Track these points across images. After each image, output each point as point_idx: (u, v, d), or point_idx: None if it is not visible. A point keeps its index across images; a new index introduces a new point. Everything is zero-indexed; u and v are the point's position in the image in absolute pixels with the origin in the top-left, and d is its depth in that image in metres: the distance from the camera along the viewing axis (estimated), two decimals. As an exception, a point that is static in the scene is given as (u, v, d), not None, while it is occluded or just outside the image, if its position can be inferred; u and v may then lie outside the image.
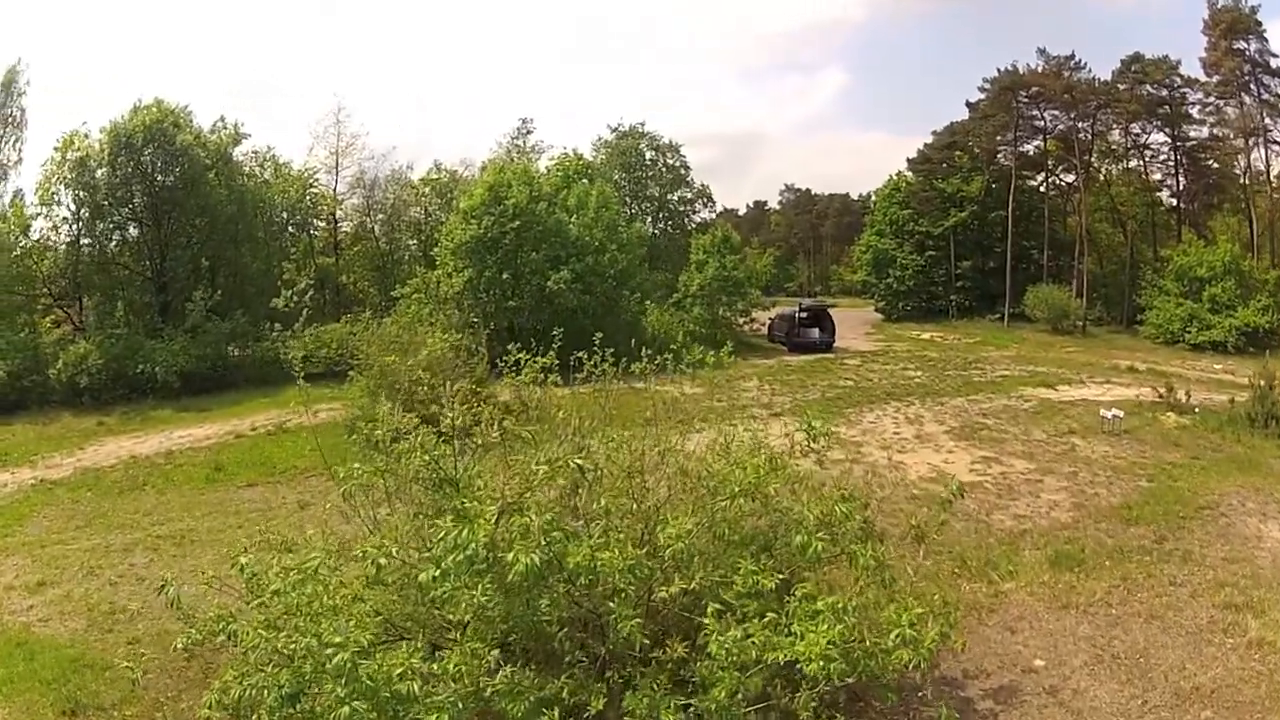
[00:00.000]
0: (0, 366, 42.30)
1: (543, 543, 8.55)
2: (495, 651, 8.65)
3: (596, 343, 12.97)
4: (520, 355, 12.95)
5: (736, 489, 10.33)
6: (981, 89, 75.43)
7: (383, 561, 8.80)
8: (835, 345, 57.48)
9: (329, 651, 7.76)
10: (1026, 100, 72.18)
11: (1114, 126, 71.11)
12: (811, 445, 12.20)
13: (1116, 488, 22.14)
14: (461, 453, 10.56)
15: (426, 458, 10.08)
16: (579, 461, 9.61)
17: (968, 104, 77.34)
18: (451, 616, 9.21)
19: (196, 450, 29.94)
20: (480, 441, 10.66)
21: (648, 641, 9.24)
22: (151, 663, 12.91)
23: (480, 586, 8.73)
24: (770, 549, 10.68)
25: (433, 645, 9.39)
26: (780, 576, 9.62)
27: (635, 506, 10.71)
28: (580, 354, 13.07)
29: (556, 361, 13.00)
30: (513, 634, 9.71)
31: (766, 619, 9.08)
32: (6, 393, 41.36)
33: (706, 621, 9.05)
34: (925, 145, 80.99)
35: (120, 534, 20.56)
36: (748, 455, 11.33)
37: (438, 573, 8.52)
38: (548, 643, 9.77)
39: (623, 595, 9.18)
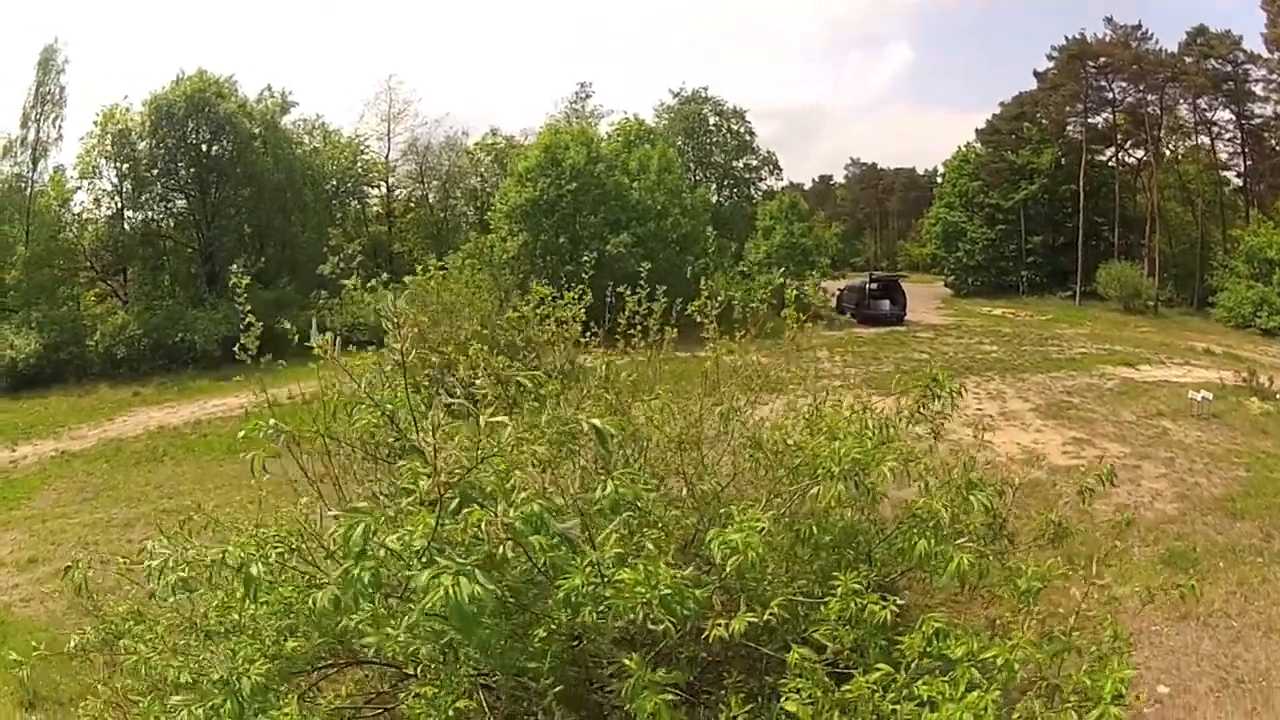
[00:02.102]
0: (36, 339, 42.14)
1: (507, 555, 5.05)
2: (463, 700, 5.71)
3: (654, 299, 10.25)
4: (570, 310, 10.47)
5: (834, 468, 6.87)
6: (1050, 57, 72.90)
7: (255, 571, 5.38)
8: (905, 319, 55.44)
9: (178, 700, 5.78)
10: (1095, 70, 69.40)
11: (1181, 101, 67.96)
12: (928, 410, 9.26)
13: (1216, 477, 20.89)
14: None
15: (374, 413, 6.24)
16: (597, 423, 5.64)
17: (1036, 73, 74.69)
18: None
19: (225, 420, 28.88)
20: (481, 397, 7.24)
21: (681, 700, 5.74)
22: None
23: (407, 618, 5.73)
24: (870, 556, 7.58)
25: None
26: (897, 603, 6.05)
27: (686, 491, 7.91)
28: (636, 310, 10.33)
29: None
30: (492, 674, 6.33)
31: (875, 675, 5.55)
32: (43, 366, 41.53)
33: (786, 676, 5.64)
34: (994, 116, 78.50)
35: (125, 508, 19.66)
36: (845, 423, 8.54)
37: (324, 598, 5.21)
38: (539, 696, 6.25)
39: (647, 642, 5.96)
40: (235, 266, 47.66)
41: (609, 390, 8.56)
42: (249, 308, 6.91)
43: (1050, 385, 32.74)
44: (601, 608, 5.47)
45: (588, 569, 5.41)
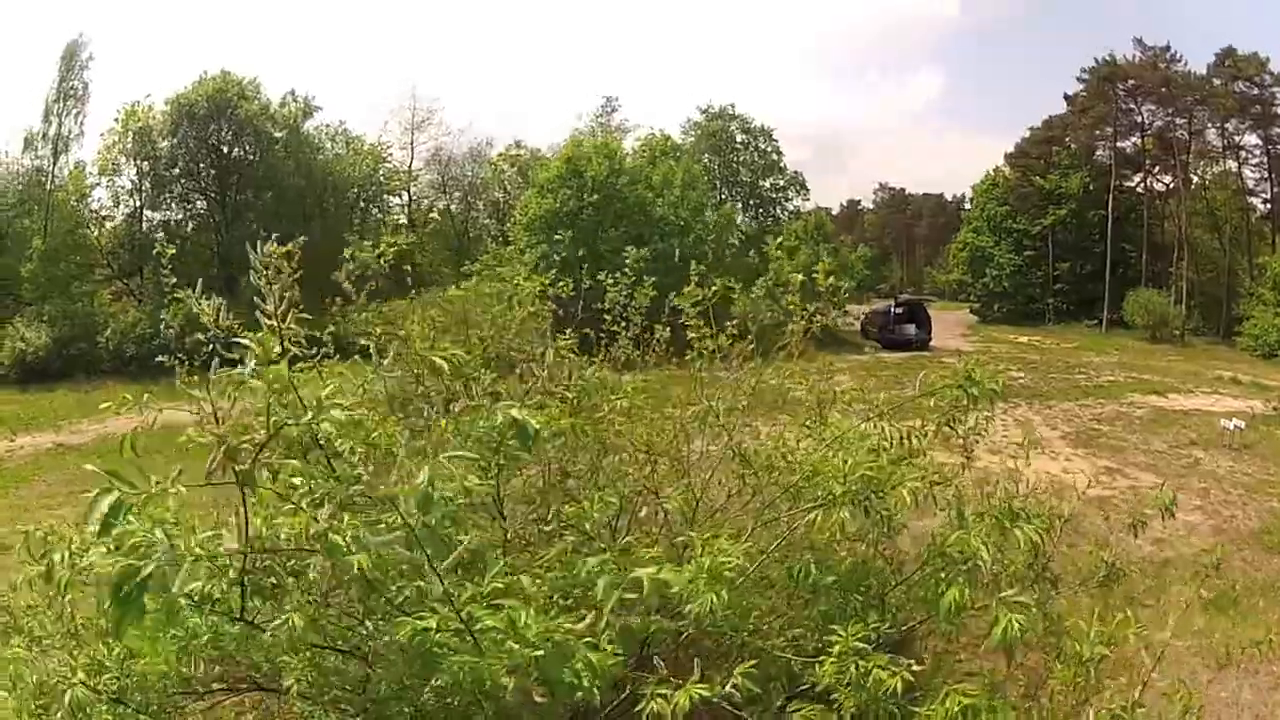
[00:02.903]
0: (47, 333, 42.11)
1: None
2: None
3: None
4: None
5: (840, 488, 5.61)
6: (1080, 79, 72.96)
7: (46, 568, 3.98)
8: (931, 344, 54.81)
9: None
10: (1124, 93, 69.55)
11: (1209, 125, 67.99)
12: (960, 426, 7.45)
13: (1251, 509, 20.63)
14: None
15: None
16: (516, 413, 4.31)
17: (1065, 96, 74.69)
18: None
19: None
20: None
21: None
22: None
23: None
24: (884, 600, 6.52)
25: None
26: (912, 669, 4.77)
27: (651, 513, 6.63)
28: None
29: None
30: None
31: None
32: (52, 360, 41.87)
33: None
34: (1023, 139, 78.24)
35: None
36: (855, 433, 6.89)
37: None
38: None
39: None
40: (254, 262, 47.76)
41: (573, 390, 6.97)
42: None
43: (1079, 413, 32.39)
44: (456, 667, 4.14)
45: (445, 609, 3.99)
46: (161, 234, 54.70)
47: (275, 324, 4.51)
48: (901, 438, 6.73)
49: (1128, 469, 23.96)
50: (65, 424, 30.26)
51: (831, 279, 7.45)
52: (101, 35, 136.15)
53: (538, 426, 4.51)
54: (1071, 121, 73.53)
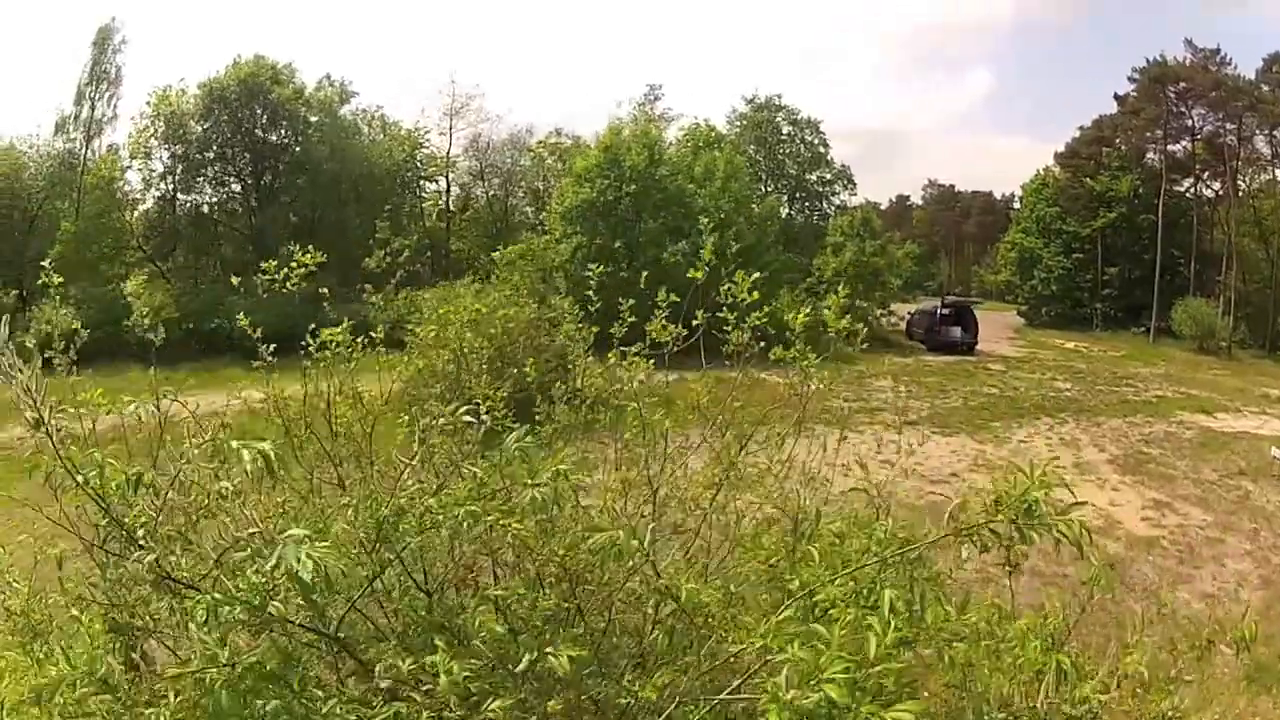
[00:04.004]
0: (74, 317, 41.68)
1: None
2: None
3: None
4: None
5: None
6: (1131, 79, 72.00)
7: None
8: (977, 348, 54.07)
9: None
10: (1175, 95, 68.57)
11: (1258, 132, 66.80)
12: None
13: None
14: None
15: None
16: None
17: (1116, 96, 73.63)
18: None
19: (240, 414, 27.90)
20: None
21: None
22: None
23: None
24: None
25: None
26: None
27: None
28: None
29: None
30: None
31: None
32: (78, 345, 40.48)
33: None
34: (1073, 139, 77.24)
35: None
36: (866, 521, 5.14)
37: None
38: None
39: None
40: (282, 252, 47.98)
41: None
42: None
43: (1127, 433, 31.83)
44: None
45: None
46: (194, 217, 55.01)
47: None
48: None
49: (1176, 502, 23.35)
50: (80, 412, 29.68)
51: (846, 320, 5.92)
52: (134, 19, 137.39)
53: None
54: (1122, 122, 72.80)
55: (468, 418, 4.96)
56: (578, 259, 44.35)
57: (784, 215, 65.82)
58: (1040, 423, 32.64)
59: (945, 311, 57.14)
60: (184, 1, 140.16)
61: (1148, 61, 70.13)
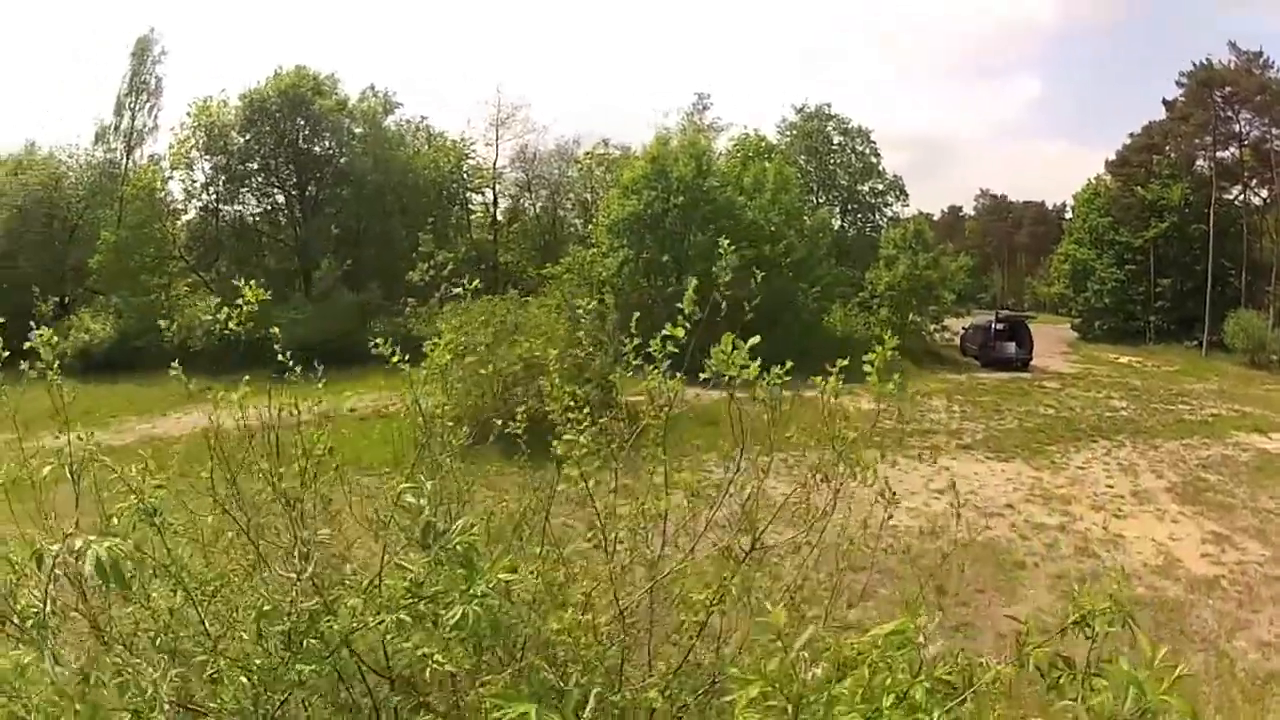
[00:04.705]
0: (112, 325, 42.65)
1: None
2: None
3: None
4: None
5: None
6: (1179, 84, 71.06)
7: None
8: (1031, 364, 53.46)
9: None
10: (1221, 100, 67.73)
11: None
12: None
13: None
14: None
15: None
16: None
17: (1165, 102, 72.68)
18: None
19: (274, 429, 27.83)
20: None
21: None
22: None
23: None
24: None
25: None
26: None
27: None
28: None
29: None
30: None
31: None
32: (117, 352, 42.26)
33: None
34: (1124, 146, 76.39)
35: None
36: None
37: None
38: None
39: None
40: (325, 263, 48.44)
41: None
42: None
43: (1185, 456, 31.04)
44: None
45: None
46: (237, 228, 55.69)
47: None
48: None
49: (1236, 535, 22.69)
50: (115, 421, 29.78)
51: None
52: (174, 30, 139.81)
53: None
54: (1171, 129, 71.94)
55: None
56: (625, 273, 44.00)
57: (836, 227, 65.27)
58: (1097, 446, 31.99)
59: (999, 327, 56.17)
60: (223, 13, 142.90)
61: (1194, 65, 69.52)
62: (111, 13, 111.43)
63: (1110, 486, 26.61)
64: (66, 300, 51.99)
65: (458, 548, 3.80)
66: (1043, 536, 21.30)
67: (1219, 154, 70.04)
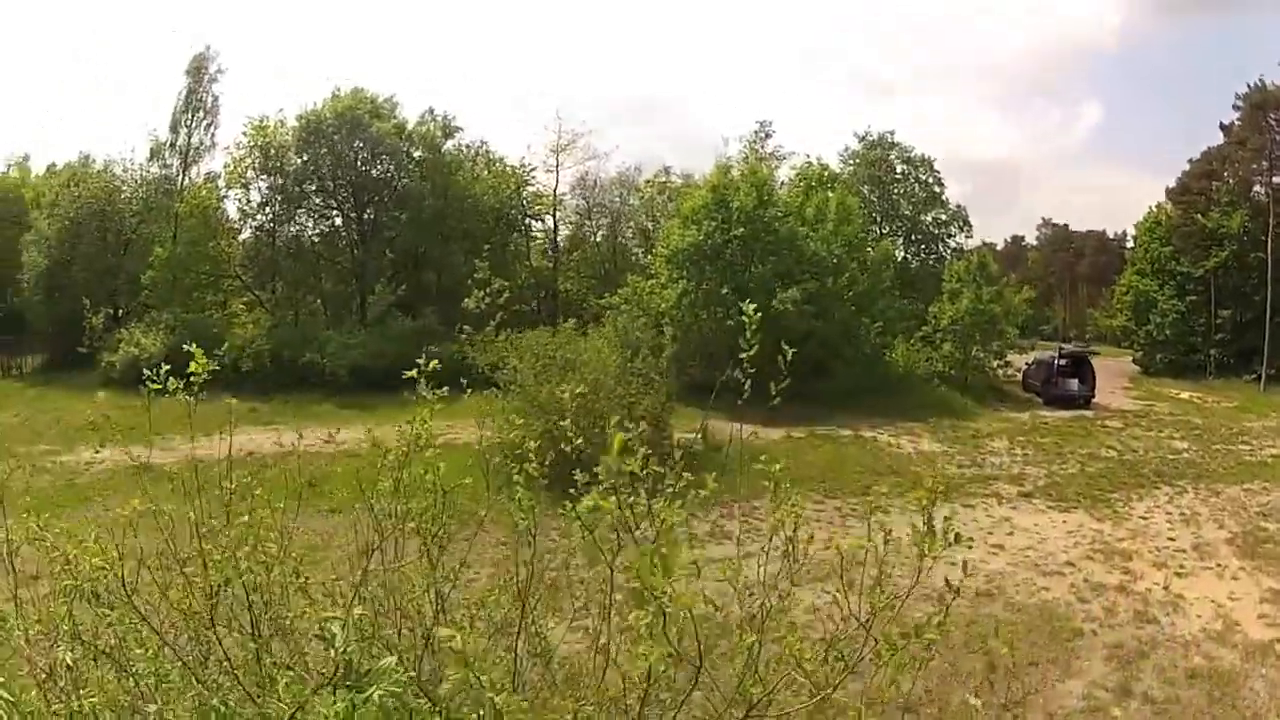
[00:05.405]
0: (162, 341, 43.21)
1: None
2: None
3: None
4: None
5: None
6: (1235, 107, 69.46)
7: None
8: (1093, 400, 52.79)
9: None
10: (1275, 123, 66.19)
11: None
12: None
13: None
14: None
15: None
16: None
17: (1222, 126, 71.17)
18: None
19: (320, 455, 27.76)
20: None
21: None
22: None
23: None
24: None
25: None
26: None
27: None
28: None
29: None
30: None
31: None
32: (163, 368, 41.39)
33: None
34: (1183, 173, 74.63)
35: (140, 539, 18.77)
36: None
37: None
38: None
39: None
40: (379, 288, 48.78)
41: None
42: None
43: (1245, 503, 30.32)
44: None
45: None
46: (293, 249, 56.17)
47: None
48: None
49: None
50: (159, 438, 29.70)
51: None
52: (234, 48, 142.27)
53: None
54: (1229, 154, 70.36)
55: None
56: (684, 304, 43.70)
57: (899, 259, 64.57)
58: (1159, 492, 31.34)
59: (1062, 362, 55.30)
60: (280, 33, 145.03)
61: (1249, 87, 68.10)
62: (165, 29, 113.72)
63: (1172, 540, 25.99)
64: (118, 313, 52.74)
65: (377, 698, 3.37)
66: (1102, 600, 20.63)
67: (1275, 179, 68.31)
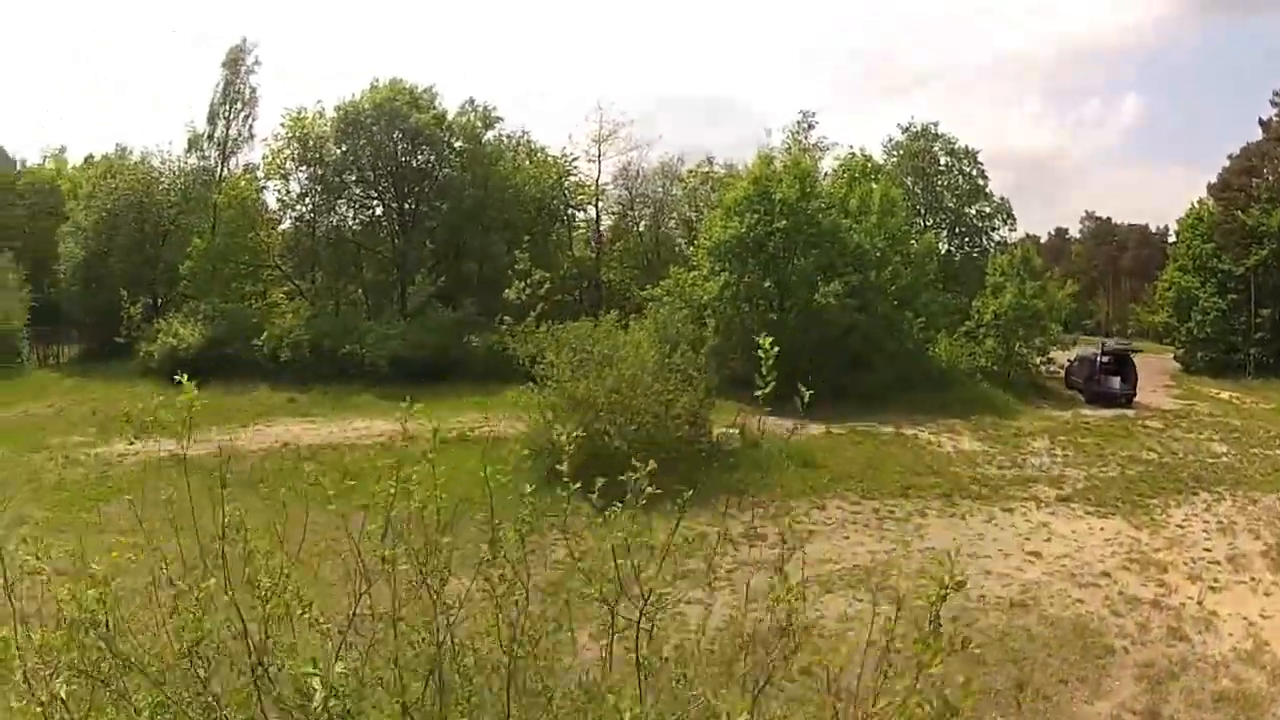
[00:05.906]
0: (201, 331, 43.34)
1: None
2: None
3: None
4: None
5: None
6: (1273, 102, 68.80)
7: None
8: (1135, 399, 52.32)
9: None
10: None
11: None
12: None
13: None
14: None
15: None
16: None
17: (1261, 122, 70.47)
18: None
19: (356, 448, 27.77)
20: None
21: None
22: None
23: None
24: None
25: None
26: None
27: None
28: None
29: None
30: None
31: None
32: (204, 358, 41.80)
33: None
34: (1224, 169, 73.74)
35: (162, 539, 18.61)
36: None
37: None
38: None
39: None
40: (419, 278, 48.92)
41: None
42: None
43: None
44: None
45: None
46: (333, 239, 56.60)
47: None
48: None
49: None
50: (196, 431, 29.94)
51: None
52: (273, 40, 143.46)
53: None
54: (1268, 150, 69.75)
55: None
56: (725, 297, 43.53)
57: (943, 251, 64.17)
58: (1198, 499, 30.77)
59: (1105, 360, 54.78)
60: (317, 24, 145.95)
61: (1284, 80, 67.08)
62: (205, 21, 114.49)
63: (1208, 550, 25.53)
64: (157, 302, 53.14)
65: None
66: (1135, 614, 20.23)
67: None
